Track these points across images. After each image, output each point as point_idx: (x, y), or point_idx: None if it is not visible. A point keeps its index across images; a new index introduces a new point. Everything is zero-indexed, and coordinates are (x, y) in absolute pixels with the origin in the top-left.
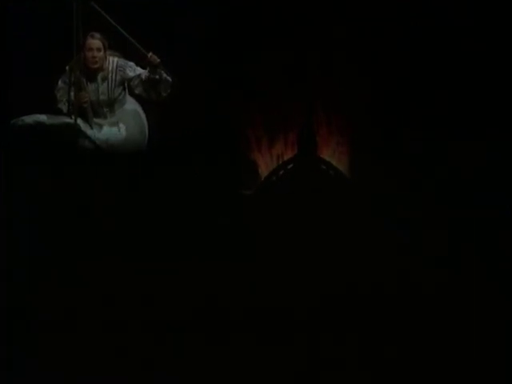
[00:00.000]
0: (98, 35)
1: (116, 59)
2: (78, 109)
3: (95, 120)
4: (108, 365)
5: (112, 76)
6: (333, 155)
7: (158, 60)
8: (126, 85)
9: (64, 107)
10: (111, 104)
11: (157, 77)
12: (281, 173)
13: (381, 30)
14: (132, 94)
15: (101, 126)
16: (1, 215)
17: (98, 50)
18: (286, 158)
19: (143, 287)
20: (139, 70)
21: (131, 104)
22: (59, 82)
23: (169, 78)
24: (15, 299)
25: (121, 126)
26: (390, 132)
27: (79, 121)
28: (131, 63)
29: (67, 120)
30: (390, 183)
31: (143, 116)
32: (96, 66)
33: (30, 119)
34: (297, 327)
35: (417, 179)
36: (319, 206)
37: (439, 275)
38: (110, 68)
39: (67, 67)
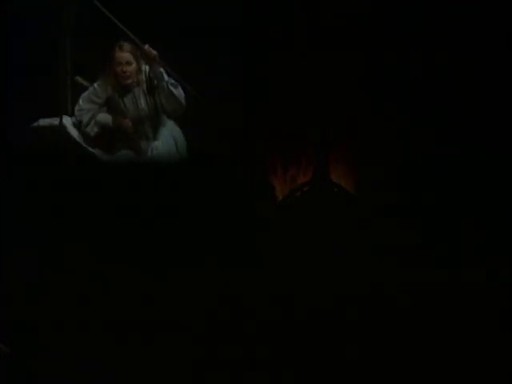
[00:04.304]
0: (127, 46)
1: (147, 67)
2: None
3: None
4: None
5: (146, 86)
6: (341, 177)
7: (155, 52)
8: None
9: (92, 130)
10: (152, 118)
11: (155, 79)
12: (298, 194)
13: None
14: None
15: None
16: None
17: (128, 63)
18: (298, 180)
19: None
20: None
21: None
22: (81, 103)
23: (174, 91)
24: (15, 300)
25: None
26: (394, 152)
27: (67, 122)
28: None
29: (54, 121)
30: (393, 200)
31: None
32: (128, 81)
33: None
34: (309, 341)
35: (420, 193)
36: (332, 222)
37: (445, 285)
38: (145, 78)
39: (96, 84)
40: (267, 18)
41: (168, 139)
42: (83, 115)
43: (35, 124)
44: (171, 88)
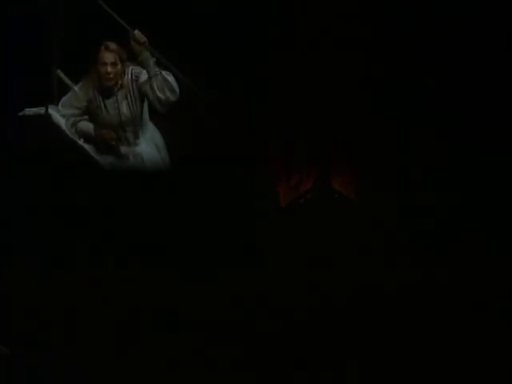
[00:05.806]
0: (113, 46)
1: (131, 68)
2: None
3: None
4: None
5: (131, 89)
6: (342, 182)
7: (144, 38)
8: (146, 103)
9: (74, 138)
10: (135, 124)
11: (145, 66)
12: (301, 201)
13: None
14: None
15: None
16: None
17: (113, 64)
18: (301, 188)
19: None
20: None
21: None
22: (61, 108)
23: (167, 77)
24: (14, 299)
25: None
26: (395, 153)
27: (53, 111)
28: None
29: (40, 110)
30: (393, 200)
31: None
32: (111, 83)
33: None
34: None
35: (420, 193)
36: (333, 227)
37: (445, 285)
38: (130, 81)
39: (76, 87)
40: (267, 18)
41: (150, 144)
42: (64, 121)
43: (21, 113)
44: (164, 74)
